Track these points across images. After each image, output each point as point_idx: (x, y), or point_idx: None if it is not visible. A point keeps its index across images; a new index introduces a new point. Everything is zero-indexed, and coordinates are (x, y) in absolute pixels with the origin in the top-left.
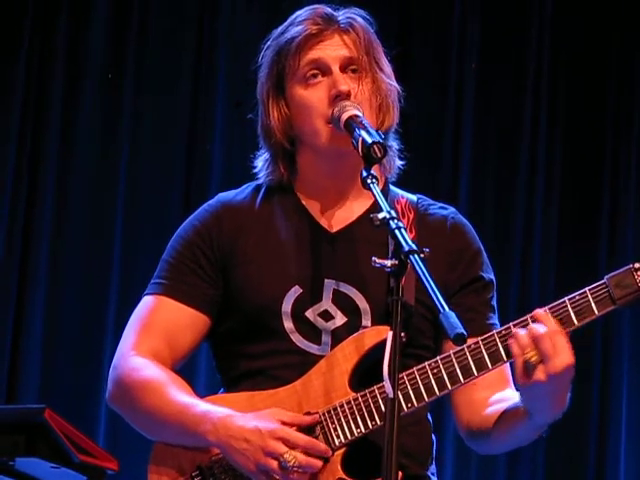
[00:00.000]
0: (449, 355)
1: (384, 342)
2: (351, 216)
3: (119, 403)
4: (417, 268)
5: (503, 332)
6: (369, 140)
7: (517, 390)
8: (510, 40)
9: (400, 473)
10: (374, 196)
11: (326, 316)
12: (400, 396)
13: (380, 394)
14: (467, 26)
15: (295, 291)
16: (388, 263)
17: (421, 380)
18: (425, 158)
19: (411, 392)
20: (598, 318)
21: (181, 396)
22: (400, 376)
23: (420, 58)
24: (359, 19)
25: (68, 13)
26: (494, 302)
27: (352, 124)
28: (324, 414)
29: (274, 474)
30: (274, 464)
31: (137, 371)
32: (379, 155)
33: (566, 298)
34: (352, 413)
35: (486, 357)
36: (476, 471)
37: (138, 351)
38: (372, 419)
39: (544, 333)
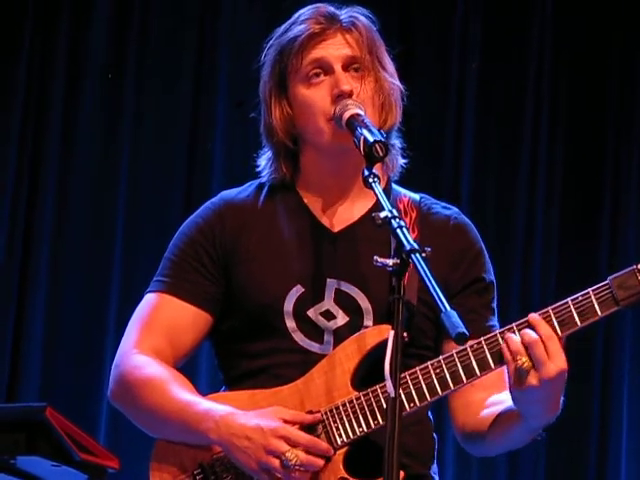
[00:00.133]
0: (452, 355)
1: (386, 341)
2: (353, 215)
3: (121, 401)
4: (419, 267)
5: (506, 332)
6: (371, 139)
7: (511, 395)
8: (511, 40)
9: (402, 473)
10: (376, 195)
11: (328, 315)
12: (402, 395)
13: (382, 393)
14: (469, 25)
15: (297, 290)
16: (390, 262)
17: (423, 380)
18: (426, 157)
19: (413, 392)
20: (601, 319)
21: (183, 394)
22: (402, 375)
23: (422, 57)
24: (362, 18)
25: (69, 13)
26: (494, 304)
27: (354, 123)
28: (326, 413)
29: (276, 472)
30: (276, 462)
31: (139, 369)
32: (381, 154)
33: (569, 299)
34: (354, 412)
35: (489, 357)
36: (477, 471)
37: (140, 349)
38: (374, 418)
39: (537, 339)
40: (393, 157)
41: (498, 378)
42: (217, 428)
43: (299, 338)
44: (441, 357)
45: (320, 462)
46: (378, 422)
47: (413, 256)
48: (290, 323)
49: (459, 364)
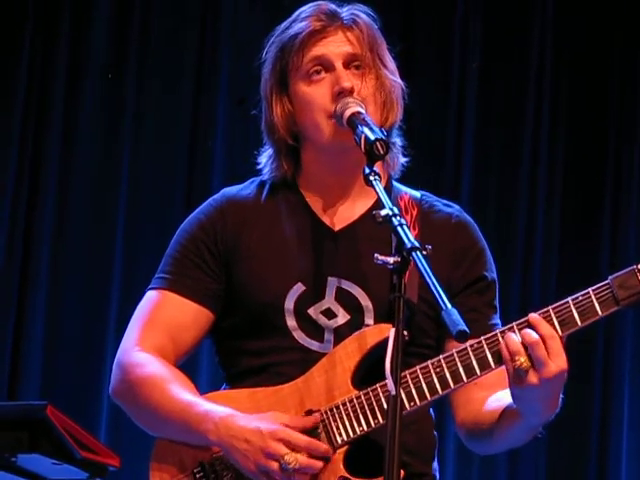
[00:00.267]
0: (452, 354)
1: (386, 340)
2: (354, 214)
3: (122, 398)
4: (419, 265)
5: (506, 332)
6: (372, 137)
7: (510, 393)
8: (512, 39)
9: (402, 471)
10: (376, 193)
11: (329, 314)
12: (403, 394)
13: (382, 392)
14: (469, 25)
15: (298, 288)
16: (390, 260)
17: (424, 378)
18: (427, 157)
19: (414, 390)
20: (601, 319)
21: (184, 394)
22: (403, 374)
23: (422, 56)
24: (363, 16)
25: (69, 13)
26: (496, 302)
27: (355, 121)
28: (326, 412)
29: (274, 475)
30: (275, 465)
31: (140, 367)
32: (382, 152)
33: (569, 298)
34: (354, 411)
35: (489, 356)
36: (478, 469)
37: (142, 346)
38: (374, 417)
39: (538, 339)
40: (394, 155)
41: (500, 377)
42: (217, 430)
43: (299, 336)
44: (441, 356)
45: (319, 464)
46: (378, 421)
47: (414, 254)
48: (291, 321)
49: (459, 363)
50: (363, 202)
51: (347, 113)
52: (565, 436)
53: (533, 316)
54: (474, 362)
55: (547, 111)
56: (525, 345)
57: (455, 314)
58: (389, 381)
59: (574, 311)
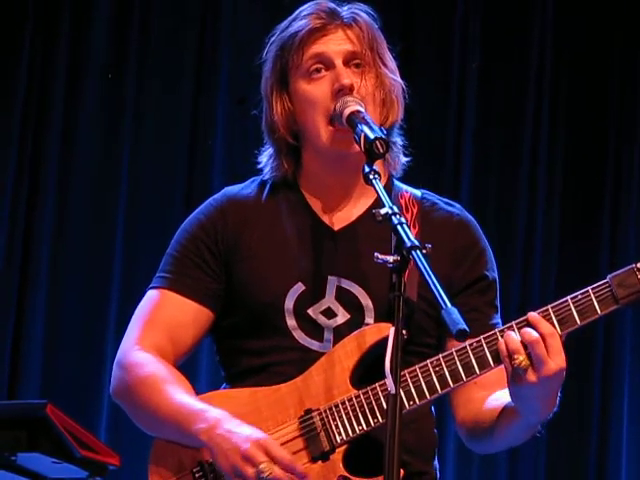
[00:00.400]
0: (451, 353)
1: (385, 339)
2: (354, 213)
3: (121, 398)
4: (419, 264)
5: (505, 331)
6: (371, 136)
7: (509, 391)
8: (512, 39)
9: (402, 470)
10: (376, 192)
11: (329, 313)
12: (402, 393)
13: (382, 391)
14: (469, 25)
15: (298, 288)
16: (390, 259)
17: (423, 377)
18: (427, 157)
19: (413, 389)
20: (600, 318)
21: (179, 394)
22: (402, 373)
23: (422, 56)
24: (363, 14)
25: (69, 13)
26: (497, 302)
27: (354, 119)
28: (325, 411)
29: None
30: (249, 471)
31: (139, 367)
32: (381, 151)
33: (568, 297)
34: (354, 410)
35: (488, 355)
36: (478, 468)
37: (141, 346)
38: (374, 417)
39: (538, 338)
40: (395, 154)
41: (500, 376)
42: (208, 429)
43: (299, 336)
44: (440, 355)
45: None
46: (378, 420)
47: (414, 253)
48: (290, 321)
49: (458, 362)
50: (363, 201)
51: (346, 112)
52: (565, 435)
53: (532, 315)
54: (473, 361)
55: (547, 111)
56: (524, 344)
57: (455, 313)
58: (389, 380)
59: (573, 310)
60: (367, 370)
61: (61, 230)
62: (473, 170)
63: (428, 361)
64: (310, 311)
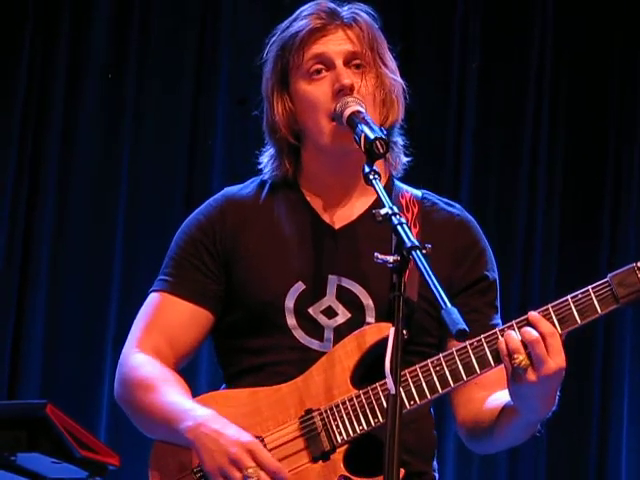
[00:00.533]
0: (452, 353)
1: (386, 339)
2: (355, 212)
3: (121, 400)
4: (419, 264)
5: (506, 330)
6: (371, 136)
7: (508, 390)
8: (512, 39)
9: (402, 470)
10: (376, 192)
11: (329, 313)
12: (402, 393)
13: (382, 391)
14: (469, 25)
15: (298, 287)
16: (390, 259)
17: (423, 377)
18: (427, 157)
19: (413, 389)
20: (600, 317)
21: (171, 394)
22: (403, 373)
23: (422, 56)
24: (363, 14)
25: (69, 13)
26: (497, 302)
27: (354, 120)
28: (326, 411)
29: None
30: (236, 474)
31: (135, 369)
32: (381, 151)
33: (569, 296)
34: (354, 410)
35: (489, 355)
36: (478, 468)
37: (141, 349)
38: (374, 416)
39: (538, 337)
40: (395, 154)
41: (500, 376)
42: (195, 427)
43: (299, 335)
44: (441, 355)
45: None
46: (378, 420)
47: (414, 253)
48: (291, 320)
49: (459, 362)
50: (363, 200)
51: (347, 112)
52: (565, 434)
53: (533, 314)
54: (474, 361)
55: (547, 111)
56: (525, 343)
57: (455, 313)
58: (389, 380)
59: (573, 309)
60: (368, 370)
61: (61, 230)
62: (473, 170)
63: (429, 361)
64: (311, 310)
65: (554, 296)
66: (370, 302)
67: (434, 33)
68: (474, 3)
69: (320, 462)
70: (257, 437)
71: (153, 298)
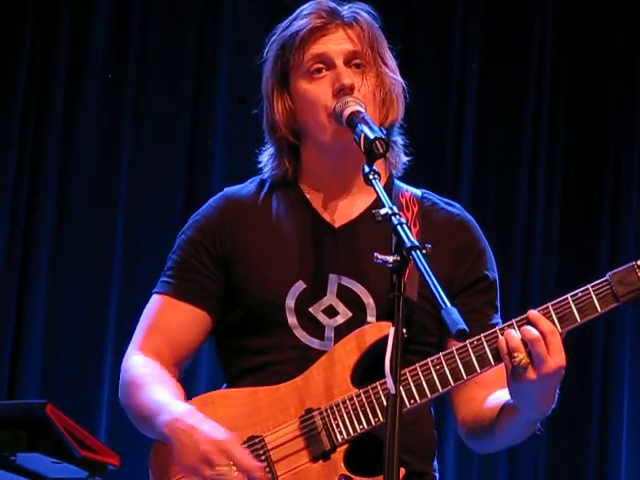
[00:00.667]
0: (452, 351)
1: (386, 338)
2: (355, 211)
3: (120, 401)
4: (419, 264)
5: (506, 329)
6: (371, 136)
7: (508, 388)
8: (512, 39)
9: (402, 470)
10: (376, 192)
11: (330, 312)
12: (402, 392)
13: (382, 390)
14: (469, 25)
15: (299, 286)
16: (390, 259)
17: (423, 376)
18: (427, 157)
19: (413, 388)
20: (600, 315)
21: (157, 392)
22: (403, 372)
23: (422, 56)
24: (363, 14)
25: (69, 13)
26: (497, 301)
27: (354, 120)
28: (326, 410)
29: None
30: (206, 472)
31: (131, 370)
32: (381, 151)
33: (568, 295)
34: (354, 409)
35: (489, 354)
36: (478, 467)
37: (141, 351)
38: (375, 416)
39: (538, 336)
40: (395, 154)
41: (500, 375)
42: (171, 422)
43: (300, 335)
44: (441, 354)
45: None
46: (378, 419)
47: (413, 253)
48: (291, 319)
49: (459, 361)
50: (364, 199)
51: (346, 112)
52: (565, 433)
53: (533, 313)
54: (474, 359)
55: (547, 111)
56: (525, 341)
57: (455, 313)
58: (389, 379)
59: (573, 308)
60: (368, 369)
61: (61, 230)
62: (473, 170)
63: (429, 359)
64: (311, 309)
65: (554, 296)
66: (371, 301)
67: (434, 33)
68: (474, 3)
69: (320, 461)
70: (257, 436)
71: (154, 300)
